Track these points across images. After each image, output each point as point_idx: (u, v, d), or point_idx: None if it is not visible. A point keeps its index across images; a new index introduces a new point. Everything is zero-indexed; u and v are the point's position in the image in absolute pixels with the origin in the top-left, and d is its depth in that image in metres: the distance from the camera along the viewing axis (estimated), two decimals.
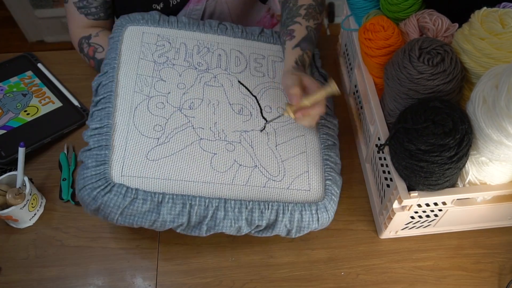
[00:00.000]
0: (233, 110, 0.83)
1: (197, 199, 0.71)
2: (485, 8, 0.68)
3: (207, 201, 0.71)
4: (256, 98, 0.86)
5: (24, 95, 0.95)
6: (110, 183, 0.70)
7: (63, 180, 0.85)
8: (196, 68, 0.87)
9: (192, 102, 0.82)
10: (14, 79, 0.98)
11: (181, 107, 0.81)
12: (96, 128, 0.75)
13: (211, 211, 0.71)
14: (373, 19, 0.79)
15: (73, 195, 0.84)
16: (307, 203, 0.74)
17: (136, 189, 0.70)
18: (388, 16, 0.81)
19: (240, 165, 0.77)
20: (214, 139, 0.79)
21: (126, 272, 0.76)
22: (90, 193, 0.69)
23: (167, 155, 0.75)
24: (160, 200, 0.70)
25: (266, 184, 0.76)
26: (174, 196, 0.71)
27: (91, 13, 0.94)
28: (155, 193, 0.70)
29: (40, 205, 0.82)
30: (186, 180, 0.74)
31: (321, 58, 1.03)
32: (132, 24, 0.90)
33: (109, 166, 0.71)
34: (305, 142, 0.82)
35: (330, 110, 0.87)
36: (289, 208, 0.73)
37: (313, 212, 0.73)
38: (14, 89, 0.96)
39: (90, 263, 0.77)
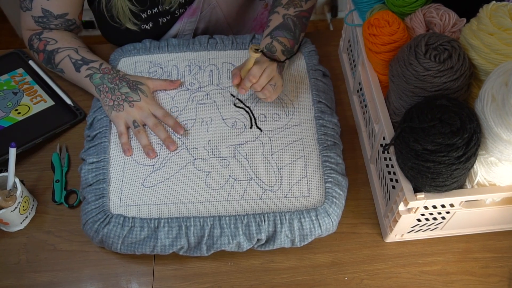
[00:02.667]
0: (226, 125, 0.86)
1: (192, 219, 0.74)
2: (494, 2, 0.68)
3: (201, 220, 0.74)
4: (249, 108, 0.87)
5: (15, 93, 0.95)
6: (108, 215, 0.75)
7: (55, 181, 0.85)
8: (188, 88, 0.91)
9: (185, 123, 0.86)
10: (4, 77, 0.98)
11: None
12: (93, 163, 0.81)
13: (207, 230, 0.73)
14: (377, 14, 0.79)
15: (66, 198, 0.84)
16: (306, 209, 0.75)
17: (133, 218, 0.75)
18: (393, 10, 0.81)
19: (235, 179, 0.79)
20: (208, 157, 0.81)
21: (121, 277, 0.76)
22: (92, 227, 0.75)
23: (162, 180, 0.79)
24: (156, 225, 0.74)
25: (263, 195, 0.77)
26: (170, 220, 0.74)
27: (49, 28, 0.94)
28: (151, 219, 0.74)
29: (32, 208, 0.82)
30: (181, 202, 0.77)
31: (324, 54, 1.04)
32: (125, 56, 0.96)
33: (107, 199, 0.77)
34: (303, 146, 0.82)
35: (329, 109, 0.88)
36: (287, 218, 0.74)
37: (313, 218, 0.74)
38: (5, 87, 0.96)
39: (84, 268, 0.77)
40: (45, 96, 0.95)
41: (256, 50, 0.78)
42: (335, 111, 0.90)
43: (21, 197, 0.78)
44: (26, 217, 0.81)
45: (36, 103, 0.94)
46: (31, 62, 1.01)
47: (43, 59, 0.93)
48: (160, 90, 0.90)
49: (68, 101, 0.95)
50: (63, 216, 0.82)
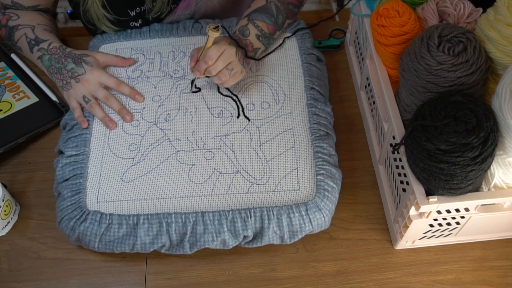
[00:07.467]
0: (212, 114, 0.86)
1: (173, 216, 0.74)
2: None
3: (183, 216, 0.74)
4: (237, 97, 0.88)
5: None
6: (85, 212, 0.75)
7: None
8: (172, 76, 0.91)
9: (168, 113, 0.86)
10: None
11: (156, 121, 0.85)
12: (71, 156, 0.81)
13: (190, 227, 0.74)
14: (386, 4, 0.79)
15: None
16: (296, 204, 0.75)
17: (111, 214, 0.75)
18: (404, 0, 0.81)
19: (220, 172, 0.79)
20: (192, 149, 0.82)
21: (110, 287, 0.76)
22: (67, 224, 0.75)
23: (143, 174, 0.80)
24: (135, 222, 0.74)
25: (249, 189, 0.77)
26: (149, 216, 0.74)
27: (10, 8, 0.95)
28: (129, 215, 0.75)
29: (14, 213, 0.82)
30: (162, 197, 0.77)
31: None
32: (105, 42, 0.97)
33: (84, 195, 0.77)
34: (294, 136, 0.83)
35: (322, 97, 0.88)
36: (275, 213, 0.74)
37: (303, 213, 0.74)
38: None
39: (70, 278, 0.77)
40: (29, 92, 0.95)
41: (215, 29, 0.77)
42: (329, 99, 0.90)
43: (3, 201, 0.78)
44: (8, 223, 0.81)
45: (18, 99, 0.94)
46: (13, 56, 1.01)
47: (5, 35, 0.96)
48: (142, 78, 0.91)
49: (53, 98, 0.95)
50: (47, 222, 0.82)
